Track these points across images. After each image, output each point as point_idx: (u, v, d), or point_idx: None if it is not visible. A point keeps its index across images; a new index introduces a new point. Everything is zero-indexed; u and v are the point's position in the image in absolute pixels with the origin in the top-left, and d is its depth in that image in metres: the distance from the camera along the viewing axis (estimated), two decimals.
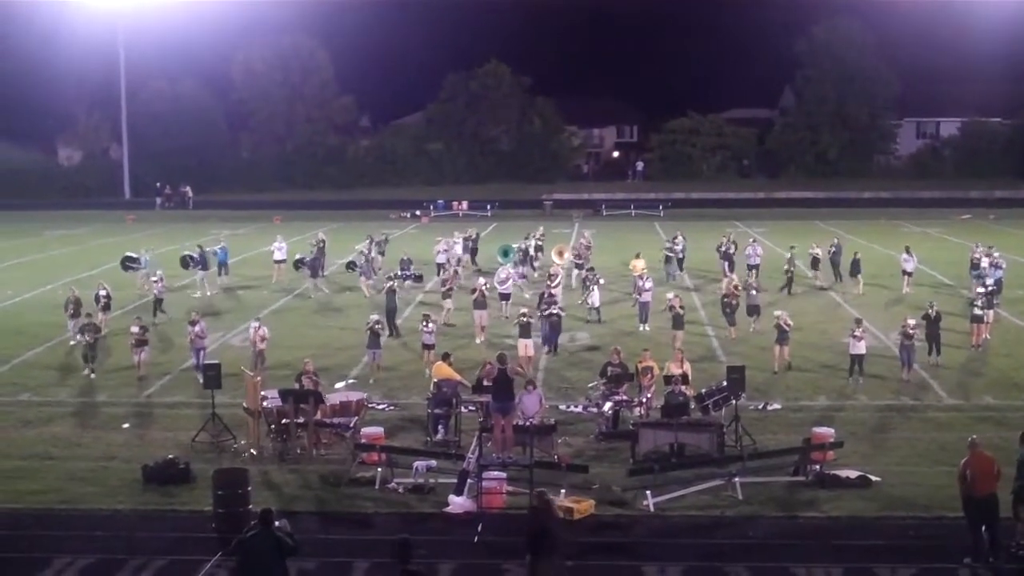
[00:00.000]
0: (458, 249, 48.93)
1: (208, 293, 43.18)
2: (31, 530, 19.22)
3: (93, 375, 30.10)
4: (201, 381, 26.93)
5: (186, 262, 45.66)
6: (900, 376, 28.91)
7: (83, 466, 22.51)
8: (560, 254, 42.47)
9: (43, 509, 20.14)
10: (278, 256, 46.46)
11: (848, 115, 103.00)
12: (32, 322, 38.23)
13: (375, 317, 31.41)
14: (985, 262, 41.03)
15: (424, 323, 30.81)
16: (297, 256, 46.14)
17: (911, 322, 29.35)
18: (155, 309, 38.11)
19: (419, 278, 43.43)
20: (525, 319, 31.25)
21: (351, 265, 44.29)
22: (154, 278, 39.48)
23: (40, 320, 38.51)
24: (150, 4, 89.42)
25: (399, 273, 41.71)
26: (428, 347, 30.31)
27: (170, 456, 21.99)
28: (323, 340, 34.57)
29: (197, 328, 29.97)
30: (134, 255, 45.68)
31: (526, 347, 30.54)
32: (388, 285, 36.03)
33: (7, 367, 31.32)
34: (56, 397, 28.07)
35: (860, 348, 28.84)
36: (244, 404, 23.96)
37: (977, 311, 32.96)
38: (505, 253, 43.62)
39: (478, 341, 34.00)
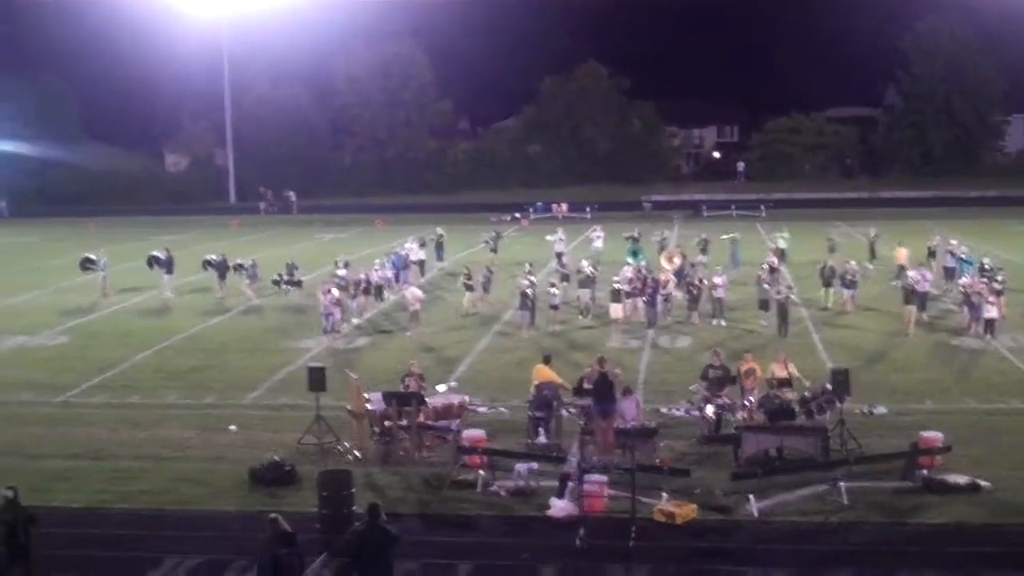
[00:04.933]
0: (598, 244, 52.25)
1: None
2: (142, 530, 19.62)
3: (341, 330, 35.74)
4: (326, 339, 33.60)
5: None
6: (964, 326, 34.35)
7: (192, 467, 22.94)
8: (670, 259, 41.85)
9: (153, 509, 20.55)
10: (415, 257, 47.72)
11: (954, 112, 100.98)
12: (140, 326, 39.09)
13: (525, 283, 35.76)
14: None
15: (552, 287, 37.01)
16: (152, 253, 46.64)
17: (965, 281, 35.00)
18: (378, 294, 40.64)
19: (299, 283, 43.36)
20: (617, 286, 36.31)
21: (238, 267, 44.55)
22: (375, 267, 41.81)
23: (148, 324, 39.40)
24: (254, 12, 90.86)
25: (281, 277, 42.27)
26: (554, 307, 36.54)
27: (276, 458, 22.26)
28: (425, 343, 34.85)
29: (328, 297, 34.95)
30: (92, 256, 46.22)
31: (616, 310, 35.88)
32: (524, 285, 36.60)
33: (117, 370, 32.01)
34: (165, 399, 28.63)
35: (993, 312, 32.63)
36: (348, 406, 24.19)
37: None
38: (635, 253, 43.84)
39: (581, 319, 37.81)
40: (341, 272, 41.81)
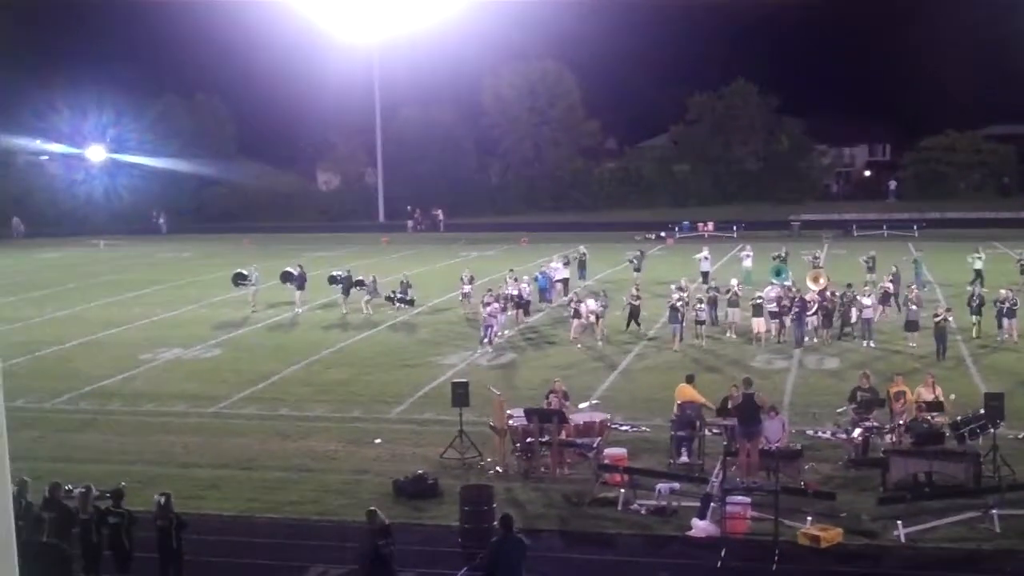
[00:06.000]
0: (748, 263, 51.22)
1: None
2: (288, 539, 20.06)
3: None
4: (487, 349, 35.99)
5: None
6: None
7: (338, 479, 23.36)
8: (816, 280, 40.89)
9: (300, 519, 20.99)
10: (559, 276, 47.99)
11: None
12: (290, 339, 39.98)
13: (677, 296, 36.59)
14: None
15: (699, 303, 37.56)
16: (286, 269, 48.09)
17: None
18: (526, 310, 41.82)
19: (411, 302, 43.53)
20: (759, 300, 37.16)
21: (359, 283, 45.05)
22: (524, 283, 42.93)
23: (298, 337, 40.27)
24: (404, 35, 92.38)
25: (395, 295, 43.09)
26: (700, 323, 37.28)
27: (420, 471, 22.56)
28: (569, 360, 34.92)
29: (490, 308, 36.96)
30: (244, 272, 47.47)
31: (758, 324, 36.83)
32: (675, 299, 37.06)
33: (267, 383, 32.76)
34: (313, 412, 29.20)
35: None
36: (490, 422, 24.39)
37: None
38: (778, 273, 43.40)
39: (727, 335, 37.99)
40: (466, 289, 43.50)
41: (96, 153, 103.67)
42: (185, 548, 17.30)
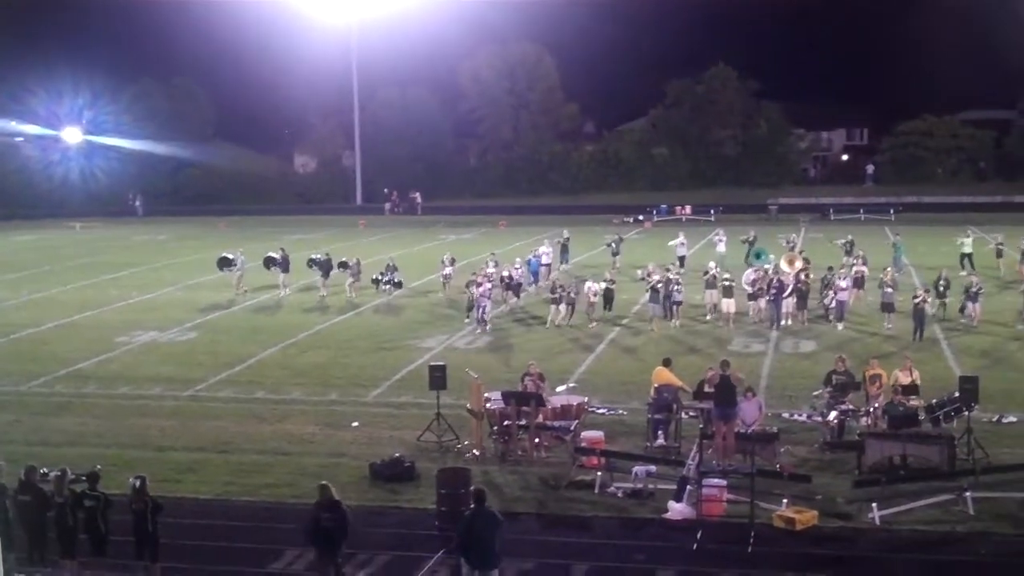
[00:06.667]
0: (721, 248, 50.99)
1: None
2: (265, 522, 20.03)
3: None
4: (478, 329, 36.59)
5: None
6: None
7: (314, 462, 23.30)
8: (791, 263, 41.04)
9: (276, 502, 20.96)
10: (545, 261, 48.04)
11: None
12: (267, 323, 39.86)
13: (656, 277, 37.49)
14: None
15: (676, 285, 37.57)
16: (268, 254, 47.80)
17: None
18: (516, 292, 41.68)
19: (399, 285, 43.60)
20: (728, 283, 37.60)
21: (342, 265, 45.12)
22: (516, 266, 42.97)
23: (275, 321, 40.17)
24: (381, 16, 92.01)
25: (381, 277, 43.24)
26: (677, 303, 37.52)
27: (397, 455, 22.55)
28: (548, 343, 34.95)
29: (481, 289, 37.05)
30: (230, 256, 47.14)
31: (728, 305, 37.24)
32: (655, 279, 37.61)
33: (244, 366, 32.67)
34: (290, 395, 29.14)
35: None
36: (468, 405, 24.37)
37: None
38: (758, 256, 43.56)
39: (708, 317, 38.12)
40: (447, 271, 44.07)
41: (72, 135, 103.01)
42: (161, 531, 17.23)
